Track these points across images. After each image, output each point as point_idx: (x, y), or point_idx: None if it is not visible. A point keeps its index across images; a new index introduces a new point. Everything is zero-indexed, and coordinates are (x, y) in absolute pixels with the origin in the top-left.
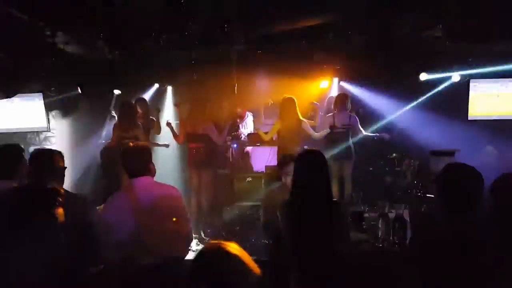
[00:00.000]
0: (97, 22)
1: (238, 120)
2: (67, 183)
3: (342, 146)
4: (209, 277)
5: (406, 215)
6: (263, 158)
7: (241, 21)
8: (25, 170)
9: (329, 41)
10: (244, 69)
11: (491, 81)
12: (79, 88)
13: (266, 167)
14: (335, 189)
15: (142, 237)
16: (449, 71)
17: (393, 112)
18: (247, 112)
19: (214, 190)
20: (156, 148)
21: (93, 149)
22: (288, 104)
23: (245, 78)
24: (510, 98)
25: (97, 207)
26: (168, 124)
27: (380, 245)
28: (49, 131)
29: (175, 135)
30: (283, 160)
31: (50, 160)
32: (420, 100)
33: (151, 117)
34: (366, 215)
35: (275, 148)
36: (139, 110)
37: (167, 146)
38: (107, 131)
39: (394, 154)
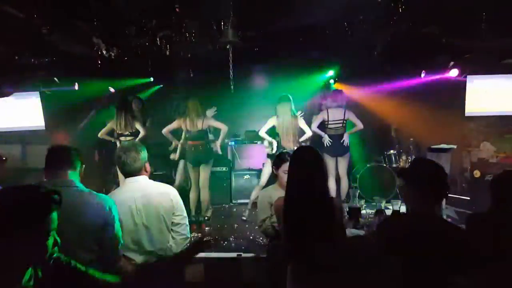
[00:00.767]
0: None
1: None
2: None
3: (337, 142)
4: None
5: (403, 211)
6: (260, 155)
7: (238, 18)
8: None
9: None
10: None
11: (489, 77)
12: (76, 85)
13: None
14: (331, 185)
15: (140, 236)
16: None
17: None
18: None
19: (212, 187)
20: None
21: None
22: (284, 102)
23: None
24: (507, 94)
25: None
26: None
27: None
28: (47, 130)
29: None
30: (279, 158)
31: (69, 157)
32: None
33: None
34: (363, 211)
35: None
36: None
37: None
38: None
39: (391, 151)
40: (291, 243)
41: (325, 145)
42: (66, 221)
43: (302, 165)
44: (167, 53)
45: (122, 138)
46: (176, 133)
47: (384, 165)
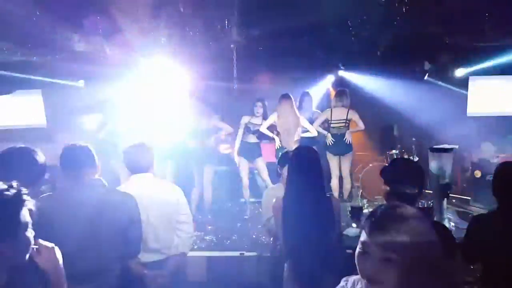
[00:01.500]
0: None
1: None
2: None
3: (340, 141)
4: None
5: None
6: (264, 153)
7: (242, 17)
8: None
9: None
10: (244, 65)
11: (491, 78)
12: (80, 82)
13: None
14: (334, 184)
15: (145, 234)
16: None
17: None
18: None
19: (215, 186)
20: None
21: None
22: (285, 101)
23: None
24: (509, 94)
25: None
26: None
27: None
28: (48, 128)
29: None
30: (283, 158)
31: (89, 155)
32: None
33: None
34: (365, 210)
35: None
36: None
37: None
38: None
39: (393, 150)
40: (289, 242)
41: (328, 144)
42: (95, 220)
43: (301, 165)
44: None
45: None
46: None
47: (386, 165)
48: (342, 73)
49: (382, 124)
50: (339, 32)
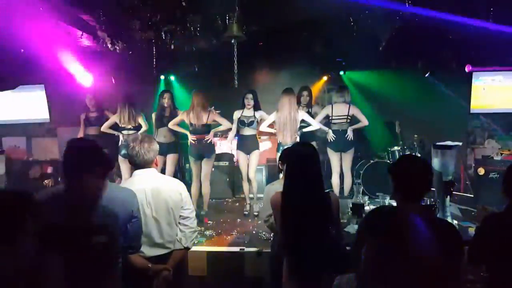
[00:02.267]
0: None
1: None
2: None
3: (341, 137)
4: None
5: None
6: (264, 150)
7: (242, 13)
8: None
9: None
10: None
11: (494, 74)
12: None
13: (267, 159)
14: (335, 180)
15: (150, 229)
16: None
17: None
18: None
19: (214, 181)
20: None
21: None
22: (284, 95)
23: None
24: None
25: None
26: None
27: None
28: (51, 123)
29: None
30: (283, 154)
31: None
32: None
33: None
34: (366, 207)
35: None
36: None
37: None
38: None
39: (395, 147)
40: (287, 237)
41: (329, 140)
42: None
43: (299, 161)
44: (172, 47)
45: (124, 132)
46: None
47: (388, 161)
48: (343, 68)
49: (383, 120)
50: (340, 27)
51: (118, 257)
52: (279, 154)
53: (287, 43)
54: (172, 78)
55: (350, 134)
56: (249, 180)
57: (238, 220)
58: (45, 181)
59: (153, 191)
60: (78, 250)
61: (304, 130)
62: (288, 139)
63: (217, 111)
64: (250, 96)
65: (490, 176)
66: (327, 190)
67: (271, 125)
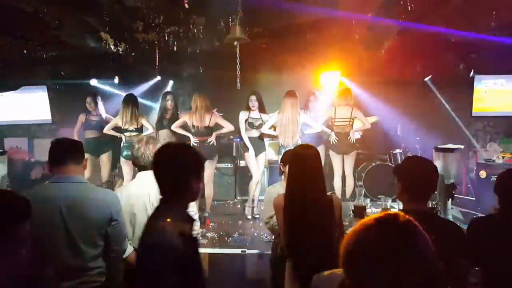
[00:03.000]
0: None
1: None
2: None
3: (344, 140)
4: None
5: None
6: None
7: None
8: None
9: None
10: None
11: (497, 77)
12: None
13: (269, 161)
14: (337, 183)
15: None
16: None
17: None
18: None
19: (216, 183)
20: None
21: None
22: (286, 97)
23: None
24: None
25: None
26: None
27: None
28: (53, 123)
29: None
30: (286, 156)
31: (74, 151)
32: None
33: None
34: (368, 210)
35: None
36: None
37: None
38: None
39: (397, 150)
40: (290, 240)
41: (331, 143)
42: (72, 216)
43: (302, 163)
44: (175, 49)
45: (126, 134)
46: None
47: (390, 164)
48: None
49: (385, 123)
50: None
51: (96, 261)
52: (280, 156)
53: (289, 45)
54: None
55: (352, 136)
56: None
57: (240, 222)
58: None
59: (156, 193)
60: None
61: (307, 132)
62: (290, 140)
63: (220, 114)
64: (254, 98)
65: (491, 179)
66: (329, 193)
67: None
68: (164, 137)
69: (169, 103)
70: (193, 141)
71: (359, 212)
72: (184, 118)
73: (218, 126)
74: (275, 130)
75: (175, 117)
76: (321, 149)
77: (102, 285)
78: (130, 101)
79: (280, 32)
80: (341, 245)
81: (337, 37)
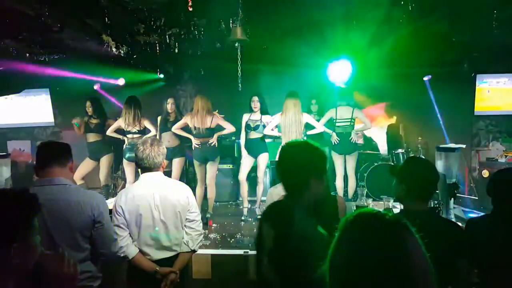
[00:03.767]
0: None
1: None
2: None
3: (345, 140)
4: None
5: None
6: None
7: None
8: None
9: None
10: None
11: (498, 76)
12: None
13: (271, 161)
14: (338, 183)
15: (158, 232)
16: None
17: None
18: None
19: (218, 184)
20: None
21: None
22: (289, 98)
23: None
24: None
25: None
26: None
27: None
28: (56, 126)
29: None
30: None
31: (58, 154)
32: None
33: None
34: None
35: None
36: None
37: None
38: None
39: (399, 150)
40: None
41: (333, 143)
42: (53, 219)
43: None
44: (176, 50)
45: (129, 136)
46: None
47: (392, 164)
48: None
49: (387, 123)
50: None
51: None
52: None
53: (291, 46)
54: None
55: (354, 137)
56: (258, 183)
57: (242, 223)
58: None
59: (161, 194)
60: None
61: (309, 132)
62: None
63: (221, 115)
64: (256, 99)
65: None
66: (333, 193)
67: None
68: (167, 139)
69: (170, 106)
70: (195, 142)
71: None
72: (185, 119)
73: (219, 128)
74: (278, 131)
75: (177, 119)
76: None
77: None
78: (133, 103)
79: (281, 33)
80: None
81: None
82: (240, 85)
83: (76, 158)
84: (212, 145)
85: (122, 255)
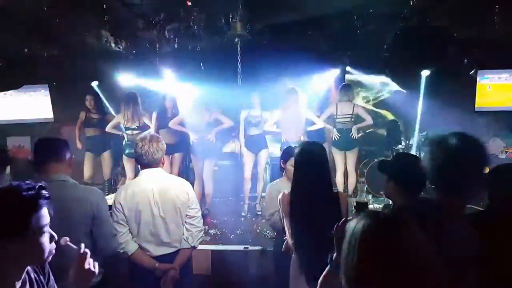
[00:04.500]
0: (102, 12)
1: None
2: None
3: (346, 136)
4: None
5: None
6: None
7: (246, 11)
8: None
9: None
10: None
11: (500, 72)
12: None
13: (271, 158)
14: (339, 179)
15: (157, 228)
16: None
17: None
18: None
19: (218, 180)
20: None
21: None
22: (289, 94)
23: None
24: None
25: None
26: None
27: None
28: (55, 122)
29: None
30: (286, 152)
31: (55, 149)
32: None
33: None
34: (370, 206)
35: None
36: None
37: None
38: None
39: (400, 146)
40: (295, 236)
41: (334, 139)
42: (53, 216)
43: (309, 160)
44: (175, 46)
45: (128, 132)
46: None
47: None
48: (347, 67)
49: (388, 119)
50: (344, 25)
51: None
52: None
53: (291, 41)
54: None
55: (354, 133)
56: (258, 179)
57: (242, 219)
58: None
59: (160, 190)
60: None
61: (309, 128)
62: (294, 137)
63: (219, 110)
64: (255, 95)
65: None
66: (335, 190)
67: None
68: (167, 135)
69: (167, 102)
70: (193, 137)
71: (361, 208)
72: (182, 115)
73: (217, 123)
74: (277, 127)
75: (175, 115)
76: (325, 146)
77: (96, 285)
78: (132, 99)
79: (281, 28)
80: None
81: (339, 32)
82: (240, 80)
83: (75, 154)
84: (210, 140)
85: (121, 251)
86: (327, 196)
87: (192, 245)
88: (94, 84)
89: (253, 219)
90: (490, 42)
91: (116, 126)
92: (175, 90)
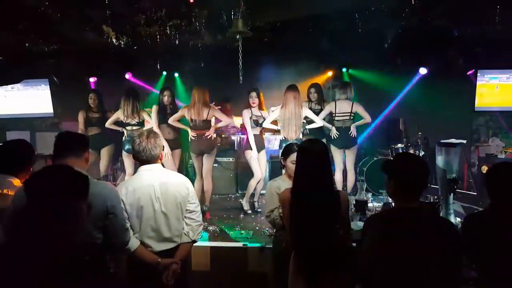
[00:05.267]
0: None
1: None
2: None
3: (345, 134)
4: None
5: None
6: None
7: (248, 8)
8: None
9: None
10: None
11: (500, 72)
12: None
13: (271, 155)
14: (338, 177)
15: (159, 223)
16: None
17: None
18: None
19: (218, 177)
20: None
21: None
22: (288, 91)
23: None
24: None
25: None
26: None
27: None
28: (55, 117)
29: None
30: (287, 149)
31: (77, 144)
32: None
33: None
34: (369, 204)
35: (279, 136)
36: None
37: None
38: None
39: (399, 144)
40: (296, 235)
41: (333, 137)
42: None
43: (310, 158)
44: (176, 42)
45: (128, 128)
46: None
47: (392, 158)
48: (347, 65)
49: (387, 117)
50: (345, 24)
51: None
52: (281, 151)
53: (292, 39)
54: (176, 74)
55: (353, 131)
56: (253, 175)
57: (241, 216)
58: None
59: (161, 186)
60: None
61: (308, 126)
62: (293, 135)
63: (218, 107)
64: (254, 94)
65: None
66: (336, 188)
67: (274, 122)
68: (166, 131)
69: (166, 99)
70: (191, 134)
71: (361, 206)
72: (182, 111)
73: (216, 120)
74: (276, 124)
75: (175, 112)
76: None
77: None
78: (131, 94)
79: (282, 25)
80: None
81: (339, 30)
82: (241, 77)
83: None
84: (209, 137)
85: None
86: (328, 193)
87: (193, 239)
88: (92, 80)
89: (252, 216)
90: (490, 42)
91: (115, 122)
92: (175, 86)
